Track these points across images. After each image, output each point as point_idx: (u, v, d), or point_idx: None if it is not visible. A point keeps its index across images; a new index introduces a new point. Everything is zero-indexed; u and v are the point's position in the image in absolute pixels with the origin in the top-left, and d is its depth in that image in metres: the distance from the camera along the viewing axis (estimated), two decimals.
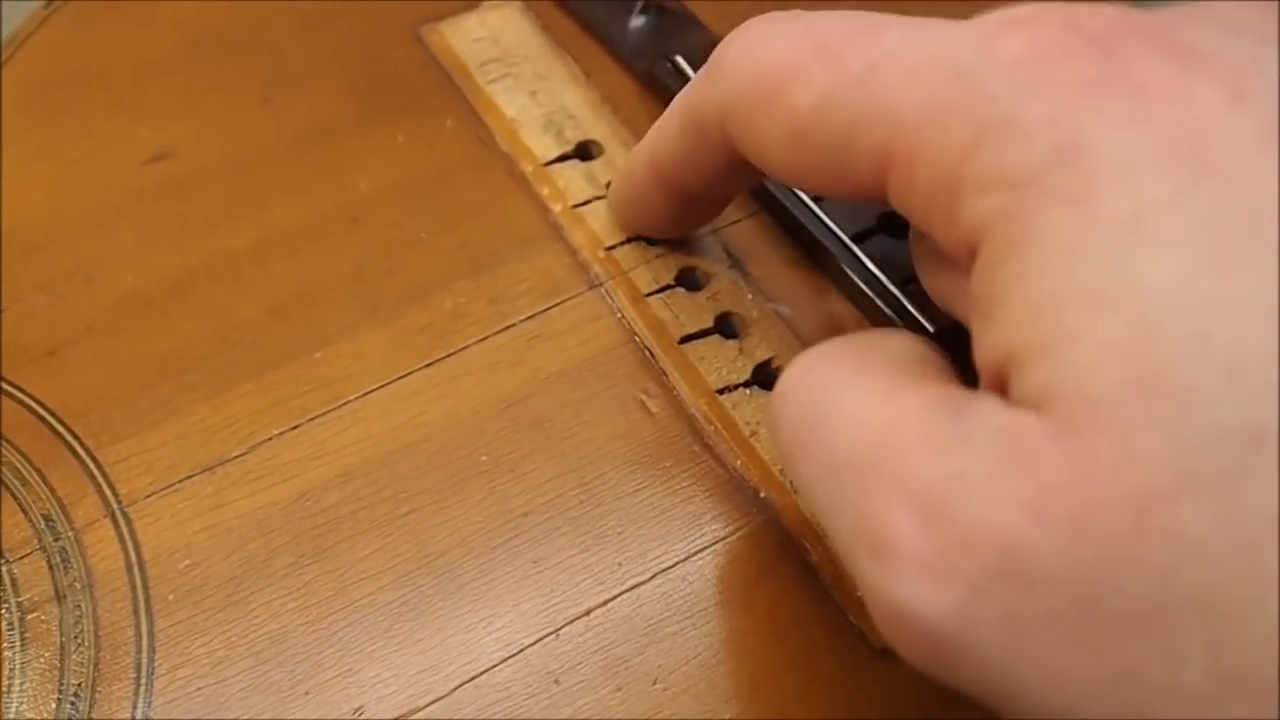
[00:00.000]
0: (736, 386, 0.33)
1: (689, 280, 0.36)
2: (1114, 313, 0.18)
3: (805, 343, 0.34)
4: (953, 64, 0.22)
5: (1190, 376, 0.17)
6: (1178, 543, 0.17)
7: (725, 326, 0.35)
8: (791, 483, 0.30)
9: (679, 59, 0.38)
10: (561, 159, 0.38)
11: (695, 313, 0.35)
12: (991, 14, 0.22)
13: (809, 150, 0.25)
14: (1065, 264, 0.19)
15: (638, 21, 0.41)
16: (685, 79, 0.38)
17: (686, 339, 0.34)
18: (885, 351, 0.24)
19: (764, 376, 0.34)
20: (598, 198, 0.37)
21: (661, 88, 0.39)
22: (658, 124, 0.31)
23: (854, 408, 0.22)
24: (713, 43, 0.38)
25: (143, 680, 0.29)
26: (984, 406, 0.20)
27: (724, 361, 0.34)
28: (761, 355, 0.34)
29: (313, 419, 0.33)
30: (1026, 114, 0.20)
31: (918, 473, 0.20)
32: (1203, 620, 0.17)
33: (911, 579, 0.19)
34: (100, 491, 0.31)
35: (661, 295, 0.35)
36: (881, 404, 0.22)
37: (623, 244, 0.36)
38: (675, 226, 0.35)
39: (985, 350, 0.21)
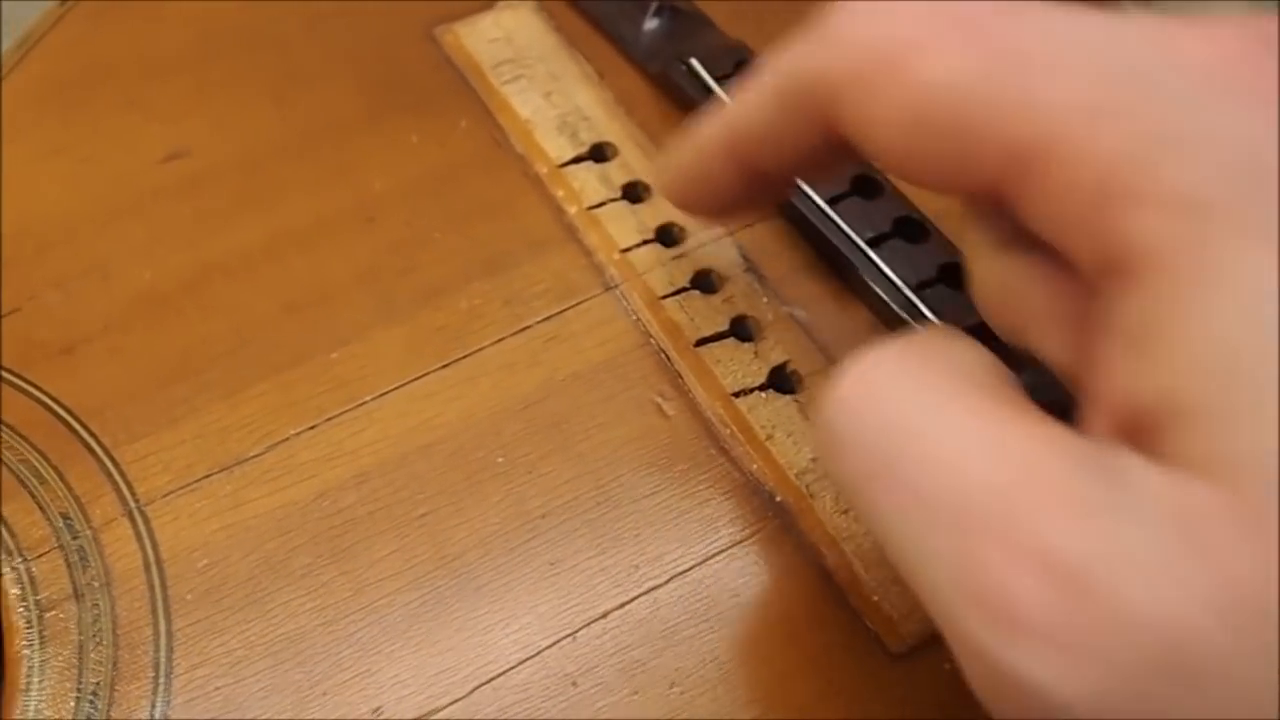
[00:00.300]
0: (752, 390, 0.33)
1: (704, 283, 0.36)
2: None
3: (821, 346, 0.34)
4: (1125, 62, 0.19)
5: None
6: None
7: (741, 330, 0.35)
8: (840, 494, 0.29)
9: (694, 61, 0.38)
10: (576, 160, 0.39)
11: (711, 316, 0.35)
12: (1161, 16, 0.20)
13: (928, 134, 0.21)
14: (1263, 317, 0.17)
15: (651, 23, 0.41)
16: (700, 81, 0.38)
17: (702, 342, 0.34)
18: (964, 363, 0.22)
19: (780, 380, 0.34)
20: (612, 200, 0.37)
21: (675, 89, 0.39)
22: (739, 93, 0.27)
23: (954, 438, 0.20)
24: (726, 45, 0.39)
25: (161, 679, 0.29)
26: (1140, 471, 0.18)
27: (740, 365, 0.34)
28: (777, 359, 0.34)
29: (330, 419, 0.33)
30: (1217, 131, 0.18)
31: (1056, 538, 0.17)
32: None
33: (1043, 653, 0.17)
34: (118, 490, 0.31)
35: (677, 298, 0.35)
36: (994, 442, 0.19)
37: (637, 246, 0.36)
38: (735, 208, 0.30)
39: (1128, 388, 0.19)
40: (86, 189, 0.38)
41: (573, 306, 0.35)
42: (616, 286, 0.35)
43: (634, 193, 0.38)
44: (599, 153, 0.39)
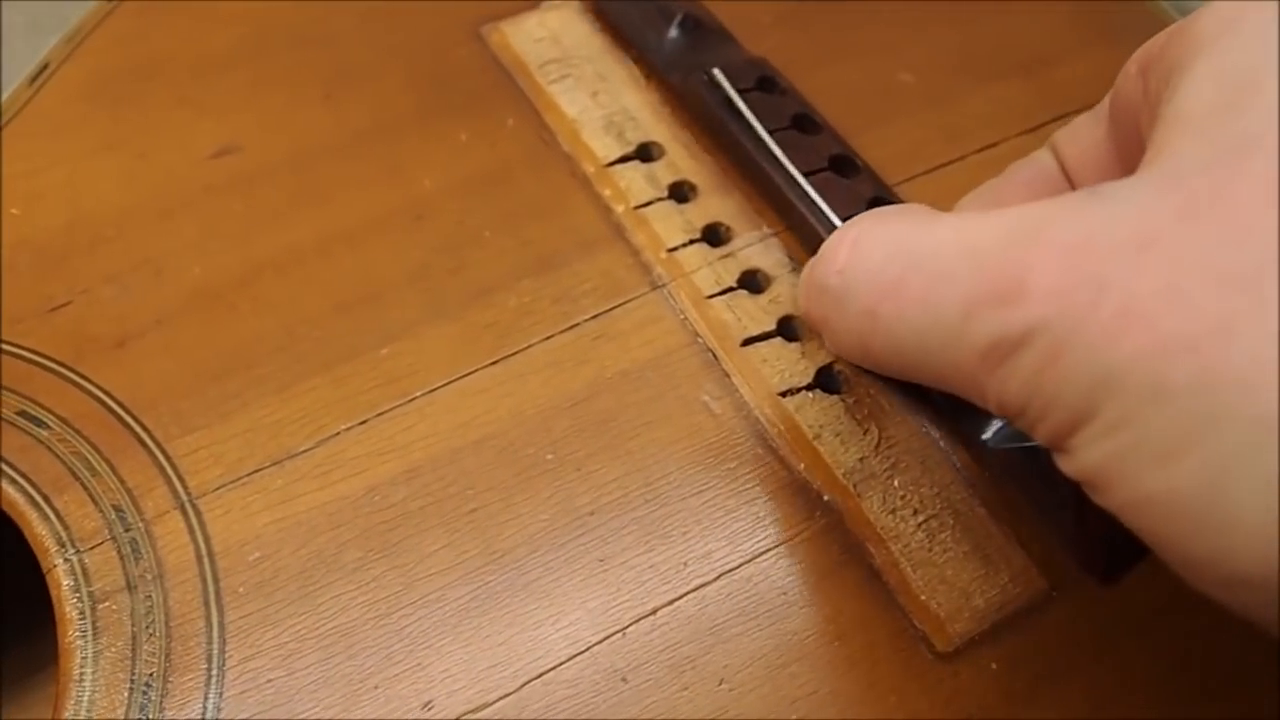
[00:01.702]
0: (799, 389, 0.33)
1: (751, 283, 0.36)
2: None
3: None
4: None
5: None
6: None
7: (787, 330, 0.35)
8: (867, 347, 0.28)
9: (716, 71, 0.38)
10: (623, 160, 0.39)
11: (757, 315, 0.35)
12: None
13: None
14: (1251, 48, 0.23)
15: (674, 34, 0.41)
16: (721, 92, 0.38)
17: (749, 341, 0.34)
18: (927, 209, 0.27)
19: (826, 380, 0.34)
20: (659, 199, 0.38)
21: (696, 99, 0.39)
22: None
23: (958, 229, 0.24)
24: (748, 60, 0.39)
25: (214, 671, 0.29)
26: (1121, 182, 0.23)
27: (786, 364, 0.34)
28: (824, 359, 0.34)
29: (380, 414, 0.33)
30: None
31: (1054, 236, 0.22)
32: None
33: (1046, 301, 0.21)
34: (170, 483, 0.32)
35: (724, 297, 0.35)
36: (988, 219, 0.24)
37: (684, 246, 0.36)
38: None
39: (1155, 133, 0.24)
40: (138, 184, 0.38)
41: (620, 305, 0.35)
42: (664, 285, 0.35)
43: (680, 192, 0.38)
44: (645, 152, 0.39)
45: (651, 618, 0.30)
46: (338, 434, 0.32)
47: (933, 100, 0.41)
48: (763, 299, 0.35)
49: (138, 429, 0.33)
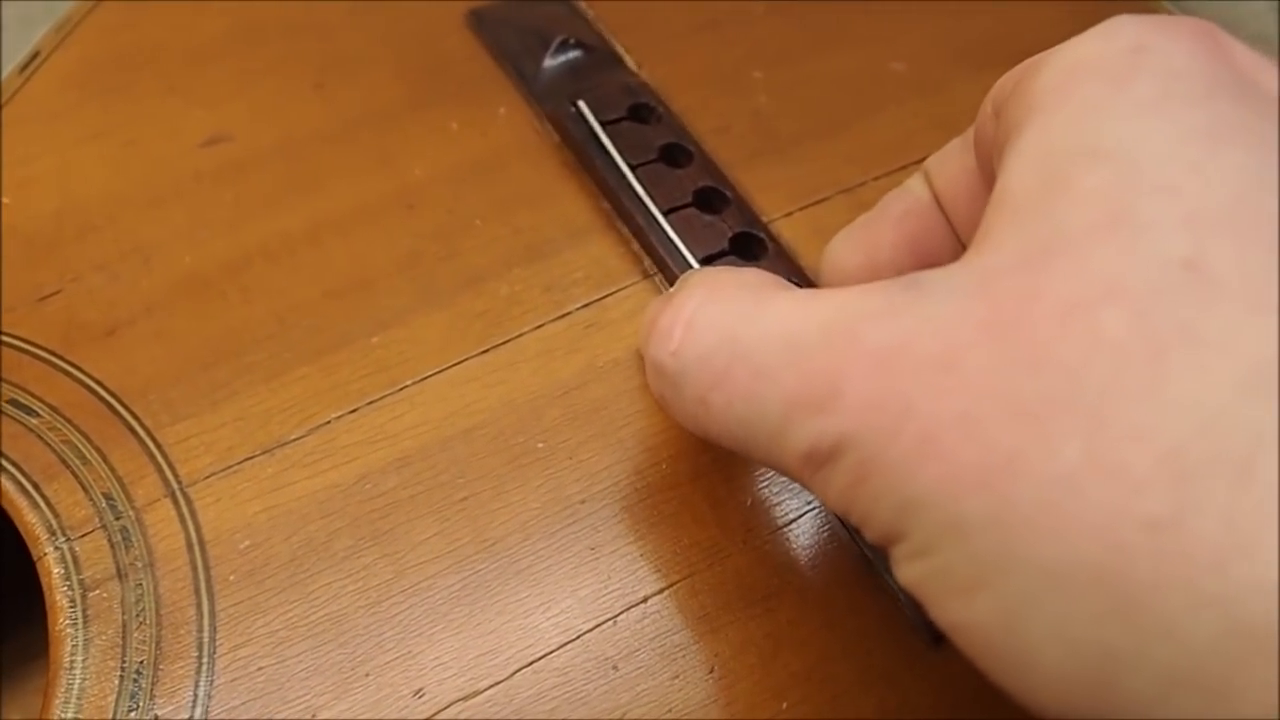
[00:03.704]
0: None
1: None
2: (1107, 165, 0.20)
3: None
4: None
5: (1151, 215, 0.19)
6: (1092, 341, 0.19)
7: None
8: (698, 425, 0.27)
9: (581, 103, 0.38)
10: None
11: None
12: None
13: None
14: (1085, 122, 0.21)
15: (554, 60, 0.41)
16: (586, 125, 0.38)
17: None
18: (750, 278, 0.26)
19: None
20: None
21: (563, 131, 0.39)
22: None
23: (782, 318, 0.23)
24: (626, 85, 0.39)
25: (204, 659, 0.29)
26: (938, 272, 0.22)
27: None
28: None
29: (371, 403, 0.33)
30: None
31: (866, 337, 0.21)
32: (1092, 412, 0.18)
33: (854, 415, 0.21)
34: (160, 471, 0.32)
35: None
36: (811, 306, 0.23)
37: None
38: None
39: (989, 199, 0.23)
40: (129, 173, 0.38)
41: (612, 293, 0.35)
42: (654, 275, 0.35)
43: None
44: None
45: (642, 606, 0.30)
46: (328, 422, 0.32)
47: (924, 90, 0.41)
48: None
49: (128, 417, 0.33)
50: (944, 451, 0.20)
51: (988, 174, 0.26)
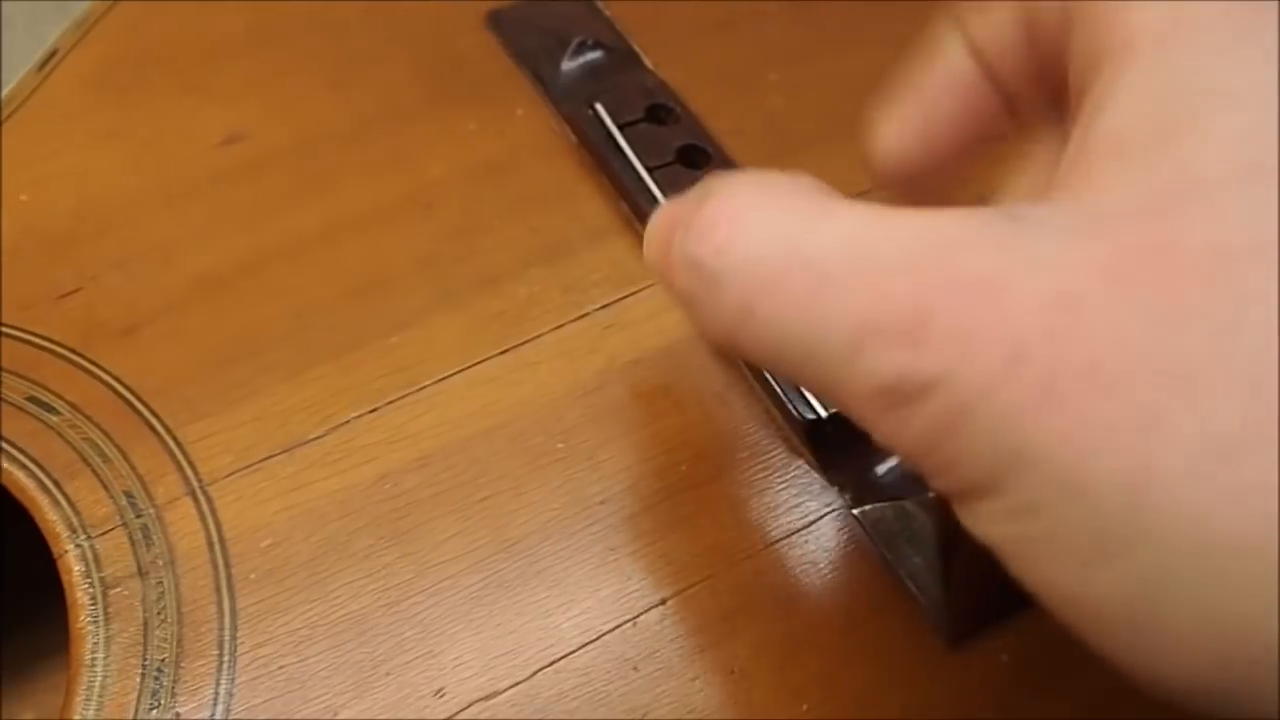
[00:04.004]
0: None
1: None
2: (1238, 109, 0.19)
3: None
4: None
5: None
6: (1241, 295, 0.17)
7: None
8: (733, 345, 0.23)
9: (598, 105, 0.38)
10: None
11: None
12: None
13: None
14: (1205, 65, 0.19)
15: (572, 61, 0.41)
16: (603, 127, 0.38)
17: None
18: (819, 184, 0.22)
19: None
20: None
21: (582, 133, 0.39)
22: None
23: (852, 228, 0.20)
24: (645, 86, 0.39)
25: (225, 657, 0.29)
26: (1042, 207, 0.20)
27: None
28: None
29: (390, 402, 0.33)
30: None
31: (962, 266, 0.19)
32: (1247, 375, 0.17)
33: (949, 349, 0.18)
34: (180, 470, 0.32)
35: None
36: (888, 222, 0.20)
37: None
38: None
39: (1077, 151, 0.21)
40: (145, 171, 0.38)
41: (631, 294, 0.35)
42: None
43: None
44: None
45: (662, 607, 0.30)
46: (348, 422, 0.32)
47: None
48: None
49: (148, 415, 0.33)
50: (1071, 403, 0.18)
51: (1041, 58, 0.24)
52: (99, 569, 0.30)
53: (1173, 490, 0.17)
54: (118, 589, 0.30)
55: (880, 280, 0.19)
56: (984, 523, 0.20)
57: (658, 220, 0.25)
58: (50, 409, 0.32)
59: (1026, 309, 0.18)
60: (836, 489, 0.31)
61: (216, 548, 0.30)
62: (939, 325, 0.19)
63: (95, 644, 0.29)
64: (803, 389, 0.31)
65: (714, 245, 0.22)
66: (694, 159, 0.38)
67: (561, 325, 0.34)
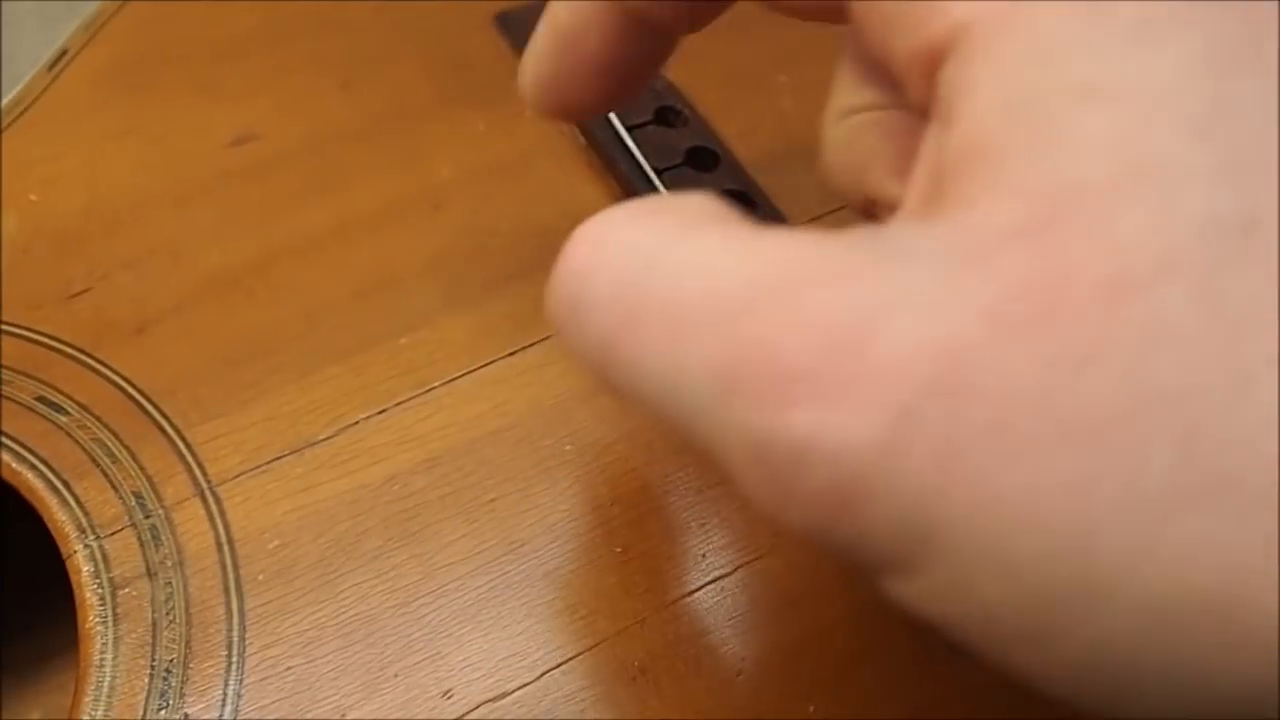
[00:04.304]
0: None
1: None
2: (1109, 105, 0.16)
3: None
4: None
5: (1183, 166, 0.16)
6: (1153, 329, 0.15)
7: None
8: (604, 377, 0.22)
9: None
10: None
11: None
12: None
13: None
14: (1060, 57, 0.17)
15: None
16: (612, 129, 0.38)
17: None
18: (693, 205, 0.20)
19: None
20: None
21: (589, 135, 0.39)
22: None
23: (705, 257, 0.18)
24: (657, 87, 0.39)
25: (234, 658, 0.29)
26: (906, 229, 0.18)
27: None
28: None
29: (399, 404, 0.33)
30: None
31: (818, 301, 0.16)
32: (1173, 413, 0.15)
33: (819, 412, 0.16)
34: (189, 470, 0.32)
35: None
36: (743, 248, 0.18)
37: None
38: (610, 81, 0.28)
39: (932, 160, 0.19)
40: (156, 170, 0.38)
41: None
42: None
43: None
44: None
45: (670, 609, 0.30)
46: (357, 423, 0.33)
47: None
48: None
49: (157, 416, 0.33)
50: (978, 471, 0.15)
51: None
52: (108, 569, 0.30)
53: (1120, 557, 0.15)
54: (126, 589, 0.30)
55: (730, 322, 0.17)
56: (911, 602, 0.17)
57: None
58: (59, 409, 0.33)
59: (904, 360, 0.16)
60: None
61: (225, 548, 0.31)
62: (805, 378, 0.16)
63: (104, 644, 0.29)
64: None
65: (573, 266, 0.20)
66: (703, 161, 0.37)
67: None
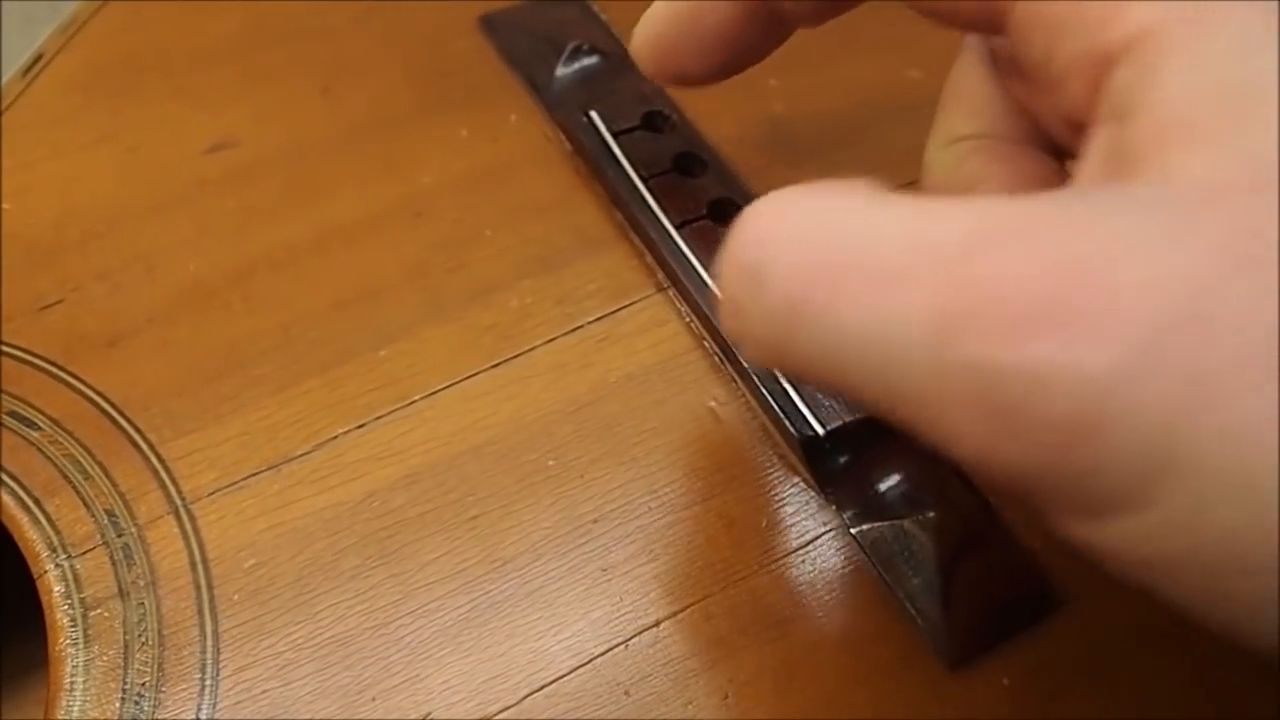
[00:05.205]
0: None
1: None
2: None
3: None
4: None
5: None
6: None
7: None
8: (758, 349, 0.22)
9: (593, 113, 0.38)
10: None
11: None
12: None
13: None
14: (1254, 50, 0.19)
15: (567, 68, 0.40)
16: (598, 135, 0.38)
17: None
18: (872, 184, 0.20)
19: None
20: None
21: (575, 141, 0.38)
22: None
23: (904, 216, 0.19)
24: (640, 93, 0.38)
25: (208, 681, 0.28)
26: (1109, 189, 0.19)
27: None
28: None
29: (379, 418, 0.32)
30: None
31: (1054, 245, 0.17)
32: None
33: (1060, 343, 0.16)
34: (164, 487, 0.31)
35: None
36: (940, 209, 0.18)
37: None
38: (725, 58, 0.30)
39: (1104, 147, 0.21)
40: (132, 178, 0.38)
41: (625, 307, 0.34)
42: (669, 287, 0.35)
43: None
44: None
45: (656, 629, 0.29)
46: (335, 438, 0.32)
47: None
48: None
49: (131, 431, 0.32)
50: (1224, 400, 0.16)
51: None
52: (79, 590, 0.30)
53: None
54: (98, 610, 0.29)
55: (951, 266, 0.17)
56: (1123, 543, 0.18)
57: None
58: (31, 424, 0.32)
59: (1149, 291, 0.16)
60: (834, 508, 0.31)
61: (199, 568, 0.30)
62: (1045, 312, 0.17)
63: (74, 667, 0.29)
64: (803, 406, 0.31)
65: (754, 235, 0.20)
66: (691, 167, 0.37)
67: (554, 338, 0.34)
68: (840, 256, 0.19)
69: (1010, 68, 0.26)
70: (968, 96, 0.27)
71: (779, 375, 0.32)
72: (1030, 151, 0.26)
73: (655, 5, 0.30)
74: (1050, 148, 0.26)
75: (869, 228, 0.19)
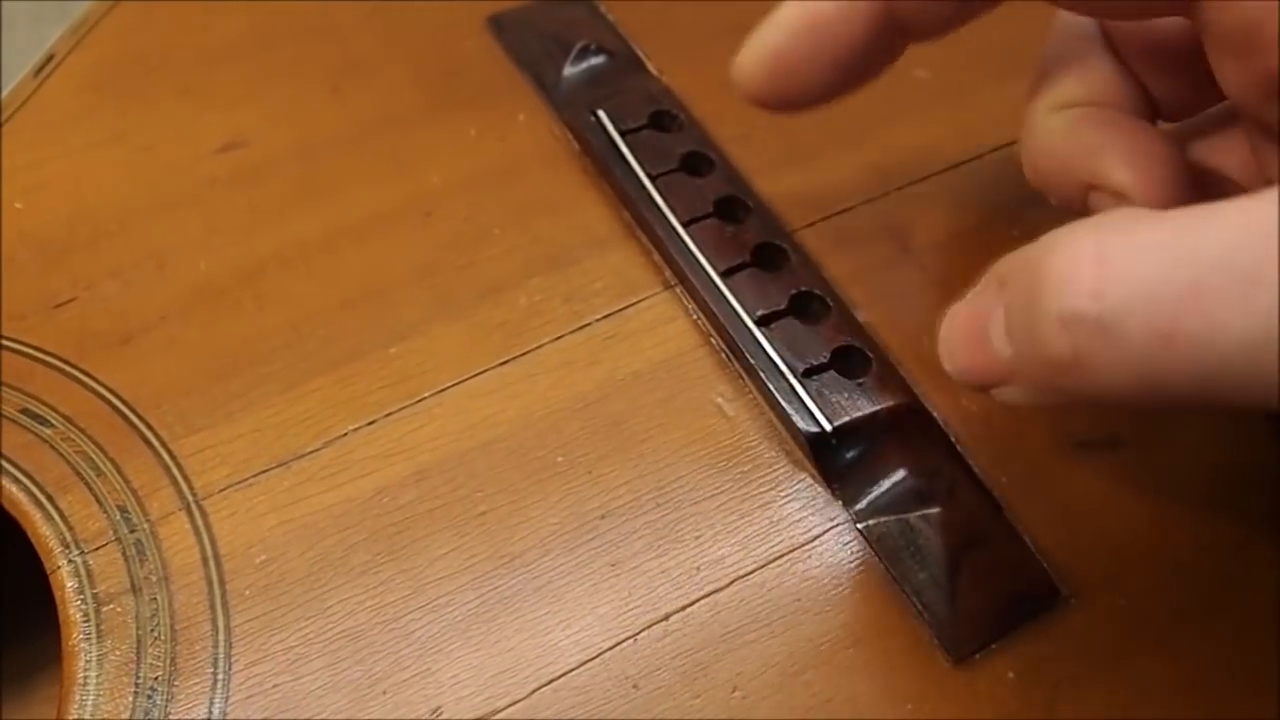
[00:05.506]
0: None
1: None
2: None
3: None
4: None
5: None
6: None
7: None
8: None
9: (601, 112, 0.38)
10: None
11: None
12: None
13: None
14: None
15: (574, 67, 0.41)
16: (606, 134, 0.38)
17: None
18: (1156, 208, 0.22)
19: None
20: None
21: (583, 140, 0.38)
22: None
23: (1237, 225, 0.20)
24: (648, 93, 0.39)
25: (220, 675, 0.29)
26: None
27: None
28: None
29: (389, 415, 0.32)
30: None
31: None
32: None
33: None
34: (175, 484, 0.31)
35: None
36: (1239, 210, 0.20)
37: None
38: (845, 76, 0.29)
39: None
40: (143, 177, 0.38)
41: (632, 304, 0.35)
42: (676, 285, 0.35)
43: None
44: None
45: (664, 624, 0.29)
46: (345, 435, 0.32)
47: (948, 97, 0.41)
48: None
49: (143, 428, 0.32)
50: None
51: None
52: (92, 585, 0.30)
53: None
54: (111, 605, 0.29)
55: None
56: None
57: (955, 323, 0.24)
58: (44, 421, 0.32)
59: None
60: (840, 503, 0.31)
61: (211, 563, 0.30)
62: None
63: (88, 662, 0.29)
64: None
65: (1088, 291, 0.20)
66: (698, 166, 0.37)
67: (562, 336, 0.34)
68: (1197, 278, 0.19)
69: (1135, 41, 0.28)
70: (1077, 65, 0.29)
71: (785, 371, 0.32)
72: (1136, 120, 0.27)
73: (771, 22, 0.28)
74: (1150, 115, 0.28)
75: (1207, 244, 0.19)
